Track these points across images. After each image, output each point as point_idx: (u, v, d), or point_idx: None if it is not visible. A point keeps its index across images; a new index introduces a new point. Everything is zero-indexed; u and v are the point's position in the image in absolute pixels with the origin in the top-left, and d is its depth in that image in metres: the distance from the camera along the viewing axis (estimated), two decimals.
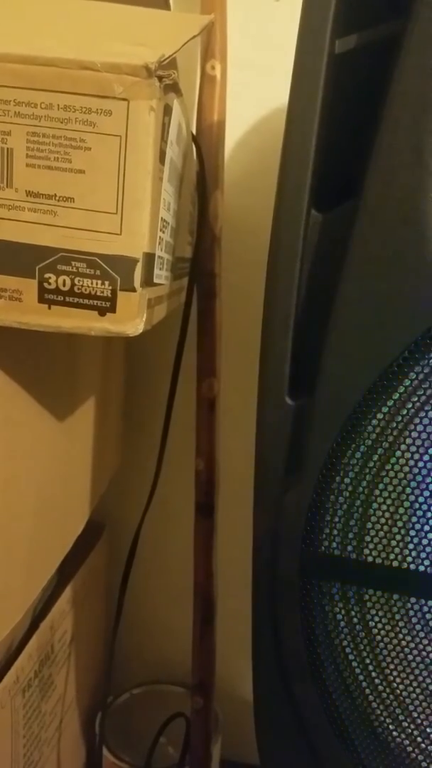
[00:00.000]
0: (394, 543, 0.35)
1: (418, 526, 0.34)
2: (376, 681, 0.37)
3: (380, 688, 0.37)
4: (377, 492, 0.35)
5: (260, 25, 0.59)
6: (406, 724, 0.37)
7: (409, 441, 0.34)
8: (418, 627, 0.36)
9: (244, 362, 0.64)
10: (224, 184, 0.57)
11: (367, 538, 0.35)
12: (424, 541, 0.35)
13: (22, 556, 0.44)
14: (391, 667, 0.36)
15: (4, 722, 0.48)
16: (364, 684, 0.37)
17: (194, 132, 0.55)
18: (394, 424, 0.34)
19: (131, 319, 0.33)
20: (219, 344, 0.58)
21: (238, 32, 0.58)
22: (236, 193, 0.62)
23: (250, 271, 0.62)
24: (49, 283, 0.32)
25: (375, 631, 0.36)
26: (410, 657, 0.36)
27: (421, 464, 0.34)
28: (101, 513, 0.67)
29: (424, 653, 0.36)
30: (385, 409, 0.34)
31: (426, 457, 0.34)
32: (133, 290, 0.32)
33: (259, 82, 0.59)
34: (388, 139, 0.32)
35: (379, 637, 0.36)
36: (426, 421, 0.33)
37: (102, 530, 0.68)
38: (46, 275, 0.32)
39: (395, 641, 0.36)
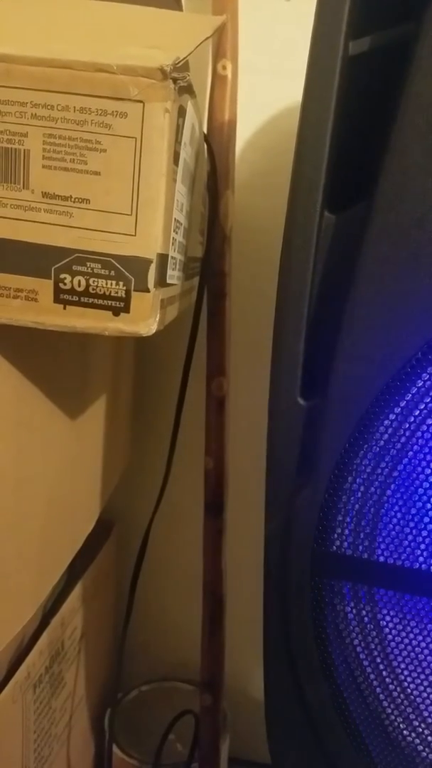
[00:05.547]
0: (405, 543, 0.35)
1: (430, 527, 0.35)
2: (387, 681, 0.37)
3: (391, 687, 0.37)
4: (389, 493, 0.35)
5: (271, 25, 0.59)
6: (417, 724, 0.37)
7: (421, 442, 0.34)
8: (429, 627, 0.36)
9: (253, 361, 0.64)
10: (235, 183, 0.57)
11: (379, 539, 0.35)
12: None
13: (33, 555, 0.44)
14: (402, 666, 0.37)
15: (15, 718, 0.48)
16: (375, 684, 0.37)
17: (205, 131, 0.55)
18: (407, 425, 0.34)
19: (145, 319, 0.33)
20: (228, 343, 0.58)
21: (249, 32, 0.58)
22: (247, 193, 0.62)
23: (260, 270, 0.62)
24: (65, 284, 0.32)
25: (386, 630, 0.36)
26: (421, 657, 0.36)
27: None
28: (110, 511, 0.67)
29: None
30: (397, 410, 0.34)
31: None
32: (147, 291, 0.33)
33: (269, 82, 0.59)
34: (401, 141, 0.32)
35: (390, 637, 0.36)
36: None
37: (111, 528, 0.68)
38: (62, 276, 0.32)
39: (406, 641, 0.36)
